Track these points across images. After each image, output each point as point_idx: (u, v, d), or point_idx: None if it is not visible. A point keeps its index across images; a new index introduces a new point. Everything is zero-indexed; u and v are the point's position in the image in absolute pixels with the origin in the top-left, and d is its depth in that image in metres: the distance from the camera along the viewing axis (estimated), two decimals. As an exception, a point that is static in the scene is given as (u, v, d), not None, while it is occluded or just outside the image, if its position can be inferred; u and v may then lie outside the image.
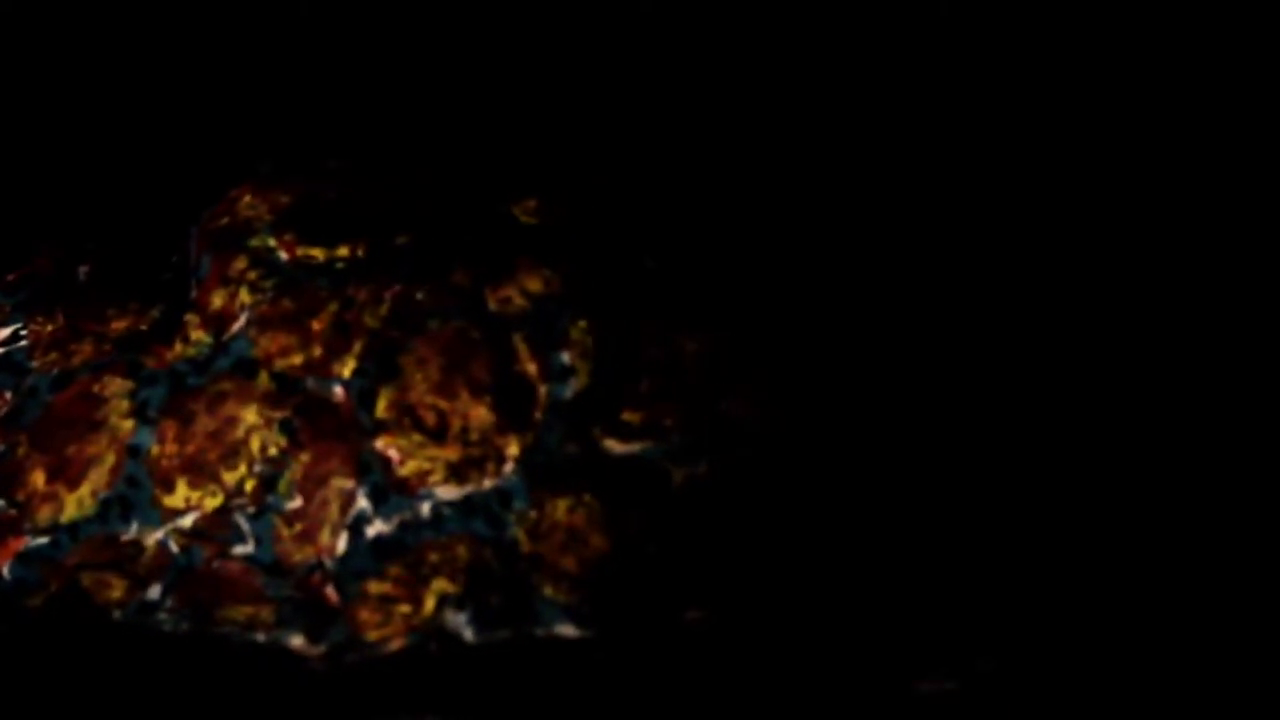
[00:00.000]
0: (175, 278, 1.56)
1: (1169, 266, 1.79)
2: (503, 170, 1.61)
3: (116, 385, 1.43)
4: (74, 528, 1.38)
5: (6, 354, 1.49)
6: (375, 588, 1.33)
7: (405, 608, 1.31)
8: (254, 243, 1.48)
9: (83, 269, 1.59)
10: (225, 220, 1.52)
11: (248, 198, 1.53)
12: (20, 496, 1.40)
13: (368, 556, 1.34)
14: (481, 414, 1.37)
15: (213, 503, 1.37)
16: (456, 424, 1.37)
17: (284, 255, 1.47)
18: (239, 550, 1.36)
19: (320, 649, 1.31)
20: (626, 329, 1.46)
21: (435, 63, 1.88)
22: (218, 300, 1.45)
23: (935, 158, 1.89)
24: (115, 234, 1.65)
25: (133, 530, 1.37)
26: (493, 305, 1.43)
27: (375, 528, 1.34)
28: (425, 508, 1.35)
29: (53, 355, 1.47)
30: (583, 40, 1.89)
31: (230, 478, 1.37)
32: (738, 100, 1.89)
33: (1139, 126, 1.88)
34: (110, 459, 1.40)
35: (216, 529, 1.36)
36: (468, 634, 1.30)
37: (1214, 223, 1.82)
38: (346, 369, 1.39)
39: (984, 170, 1.89)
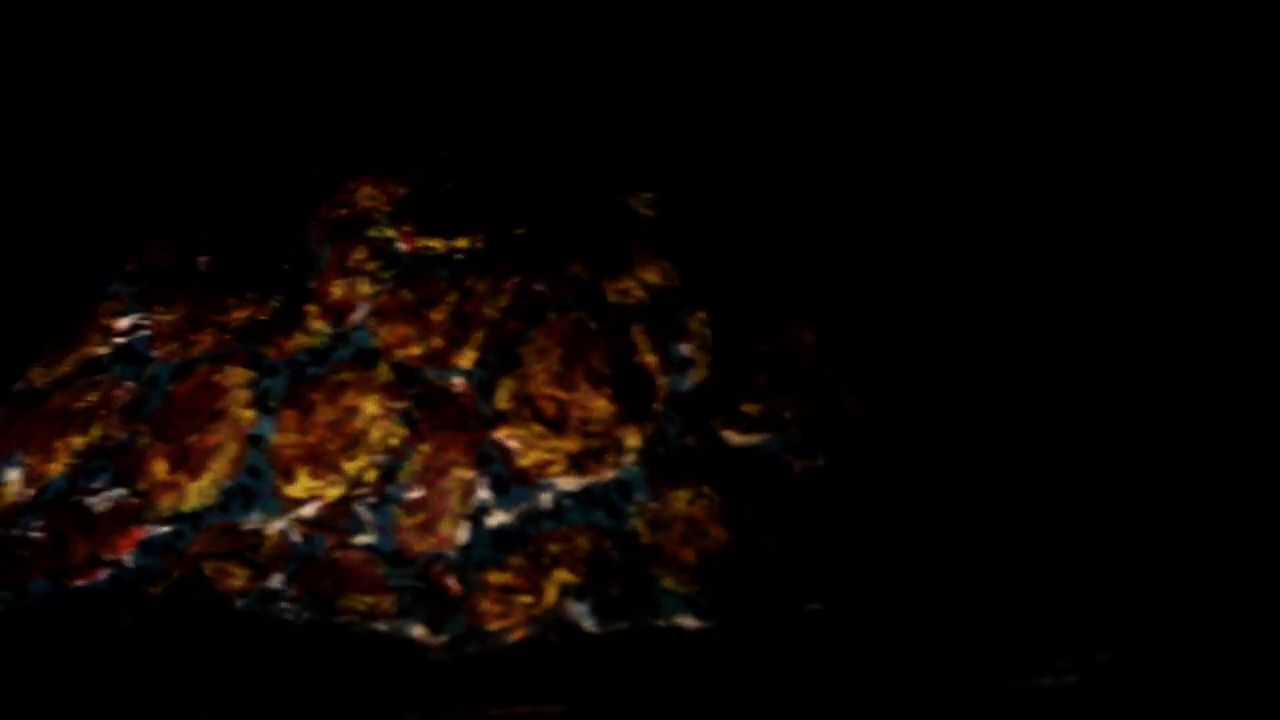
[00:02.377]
0: (294, 268, 1.63)
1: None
2: (620, 164, 1.66)
3: (237, 375, 1.50)
4: (196, 517, 1.45)
5: (128, 344, 1.56)
6: (496, 578, 1.39)
7: (526, 598, 1.37)
8: (373, 233, 1.55)
9: (202, 259, 1.66)
10: (344, 211, 1.58)
11: (366, 189, 1.60)
12: (142, 486, 1.47)
13: (489, 547, 1.40)
14: (601, 405, 1.43)
15: (334, 492, 1.43)
16: (576, 415, 1.43)
17: (403, 246, 1.54)
18: (360, 540, 1.42)
19: (441, 639, 1.38)
20: (744, 321, 1.51)
21: (554, 57, 1.93)
22: (337, 290, 1.52)
23: (1049, 151, 1.92)
24: (233, 224, 1.72)
25: (254, 519, 1.44)
26: (611, 297, 1.49)
27: (496, 518, 1.40)
28: (546, 498, 1.41)
29: (173, 345, 1.54)
30: (700, 37, 1.93)
31: (351, 468, 1.44)
32: (853, 96, 1.93)
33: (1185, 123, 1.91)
34: (231, 449, 1.47)
35: (338, 519, 1.43)
36: (588, 624, 1.36)
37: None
38: (467, 360, 1.45)
39: (1091, 166, 1.92)
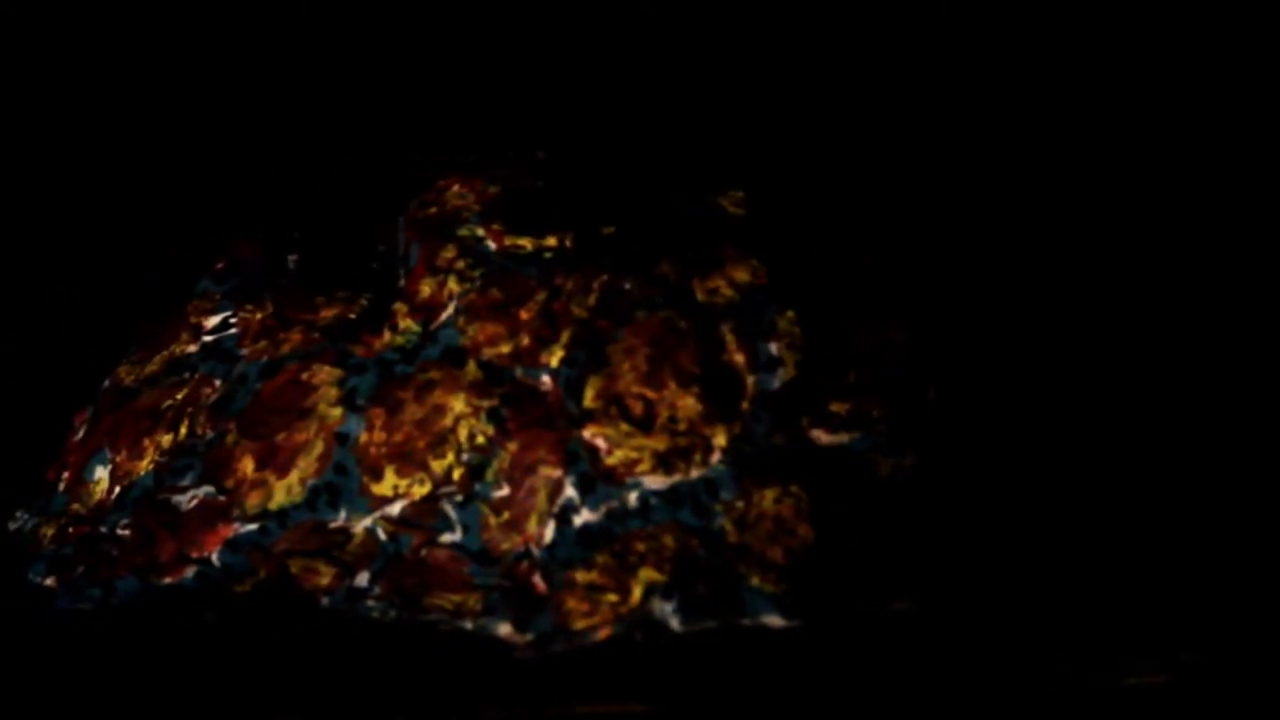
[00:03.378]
0: (383, 267, 1.66)
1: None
2: (709, 162, 1.69)
3: (325, 373, 1.53)
4: (283, 514, 1.48)
5: (216, 342, 1.60)
6: (583, 576, 1.41)
7: (613, 596, 1.40)
8: (462, 232, 1.58)
9: (291, 258, 1.69)
10: (433, 210, 1.62)
11: (456, 187, 1.63)
12: (229, 483, 1.50)
13: (575, 545, 1.42)
14: (689, 404, 1.46)
15: (420, 491, 1.46)
16: (664, 414, 1.46)
17: (492, 245, 1.57)
18: (447, 538, 1.45)
19: (527, 637, 1.40)
20: (833, 320, 1.53)
21: (640, 54, 1.96)
22: (426, 289, 1.55)
23: (1138, 154, 1.93)
24: (322, 223, 1.75)
25: (341, 518, 1.47)
26: (700, 296, 1.51)
27: (583, 516, 1.43)
28: (633, 497, 1.43)
29: (262, 343, 1.58)
30: (790, 31, 1.96)
31: (438, 466, 1.46)
32: (941, 93, 1.95)
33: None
34: (319, 446, 1.50)
35: (424, 517, 1.45)
36: (674, 623, 1.38)
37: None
38: (554, 358, 1.48)
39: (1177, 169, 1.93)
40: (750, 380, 1.47)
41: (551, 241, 1.55)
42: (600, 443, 1.45)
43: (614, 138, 1.84)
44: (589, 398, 1.46)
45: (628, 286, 1.51)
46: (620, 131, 1.89)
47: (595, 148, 1.73)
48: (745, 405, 1.47)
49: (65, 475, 1.58)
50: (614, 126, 1.91)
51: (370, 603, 1.45)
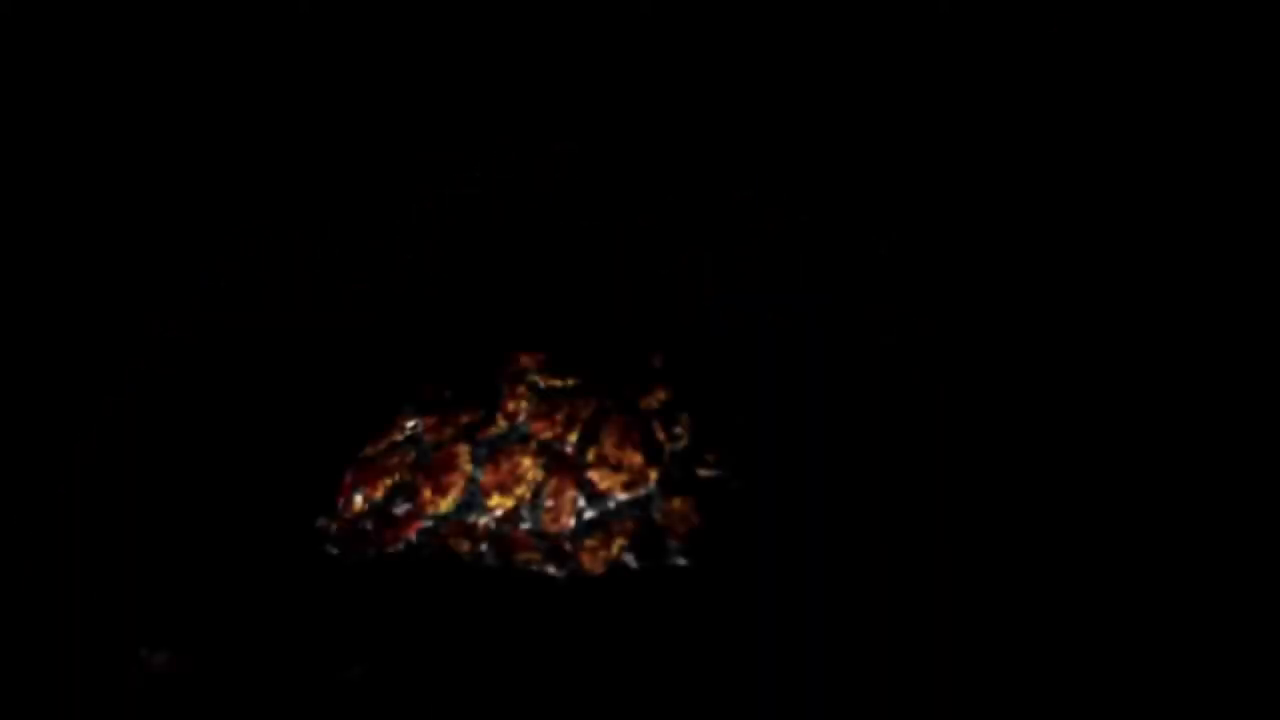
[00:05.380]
0: (490, 395, 3.31)
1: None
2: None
3: (463, 450, 3.17)
4: (444, 516, 3.12)
5: (412, 434, 3.26)
6: (589, 544, 3.03)
7: (603, 551, 3.01)
8: (528, 378, 3.23)
9: (448, 392, 3.35)
10: (514, 367, 3.28)
11: (524, 358, 3.29)
12: (419, 502, 3.14)
13: (585, 527, 3.05)
14: (637, 459, 3.07)
15: (510, 503, 3.09)
16: (627, 463, 3.07)
17: (541, 384, 3.21)
18: (523, 526, 3.08)
19: (562, 573, 3.02)
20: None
21: (662, 53, 2.05)
22: (511, 405, 3.18)
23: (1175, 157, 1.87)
24: (461, 381, 3.40)
25: (471, 517, 3.11)
26: (642, 404, 3.14)
27: (588, 514, 3.05)
28: (611, 503, 3.05)
29: (433, 434, 3.20)
30: (813, 28, 2.01)
31: (519, 491, 3.08)
32: (967, 88, 1.98)
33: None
34: (460, 484, 3.14)
35: (512, 517, 3.09)
36: (630, 561, 2.99)
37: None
38: (573, 436, 3.11)
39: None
40: (667, 447, 3.09)
41: (571, 381, 3.19)
42: (595, 477, 3.07)
43: (643, 130, 1.96)
44: (591, 455, 3.09)
45: (608, 403, 3.14)
46: (648, 123, 2.01)
47: (612, 140, 1.87)
48: (666, 459, 3.08)
49: (342, 500, 3.25)
50: (642, 119, 2.04)
51: (487, 558, 3.07)
